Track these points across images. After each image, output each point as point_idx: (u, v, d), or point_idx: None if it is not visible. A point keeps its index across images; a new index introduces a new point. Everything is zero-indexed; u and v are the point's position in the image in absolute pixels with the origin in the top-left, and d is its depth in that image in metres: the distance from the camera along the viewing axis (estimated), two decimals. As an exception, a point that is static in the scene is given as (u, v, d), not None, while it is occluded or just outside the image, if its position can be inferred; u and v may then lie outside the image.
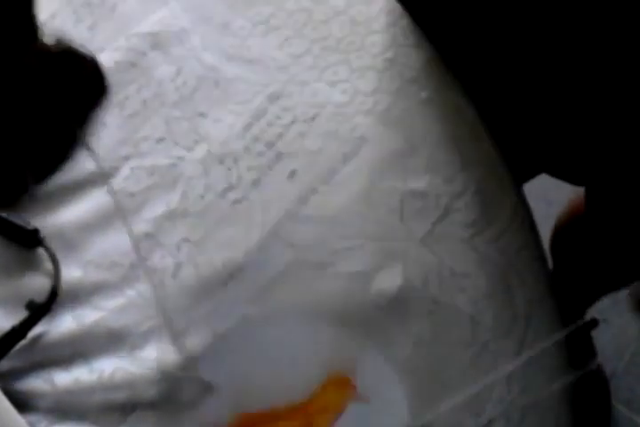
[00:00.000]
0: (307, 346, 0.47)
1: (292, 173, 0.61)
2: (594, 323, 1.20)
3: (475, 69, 0.68)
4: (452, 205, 0.60)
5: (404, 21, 0.68)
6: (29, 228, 0.57)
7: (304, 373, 0.41)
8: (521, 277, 0.59)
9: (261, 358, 0.46)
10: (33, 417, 0.53)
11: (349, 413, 0.38)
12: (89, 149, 0.61)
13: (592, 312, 1.19)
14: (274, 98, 0.64)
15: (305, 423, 0.39)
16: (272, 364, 0.45)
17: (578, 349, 1.15)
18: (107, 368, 0.54)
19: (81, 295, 0.56)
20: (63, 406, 0.54)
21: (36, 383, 0.53)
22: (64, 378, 0.53)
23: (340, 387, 0.38)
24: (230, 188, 0.60)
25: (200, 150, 0.62)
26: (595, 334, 1.20)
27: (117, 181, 0.60)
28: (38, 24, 0.58)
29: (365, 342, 0.41)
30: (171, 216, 0.59)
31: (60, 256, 0.57)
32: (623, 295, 1.20)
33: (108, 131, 0.62)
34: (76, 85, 0.59)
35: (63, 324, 0.55)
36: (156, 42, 0.66)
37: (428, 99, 0.65)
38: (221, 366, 0.45)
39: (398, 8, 0.69)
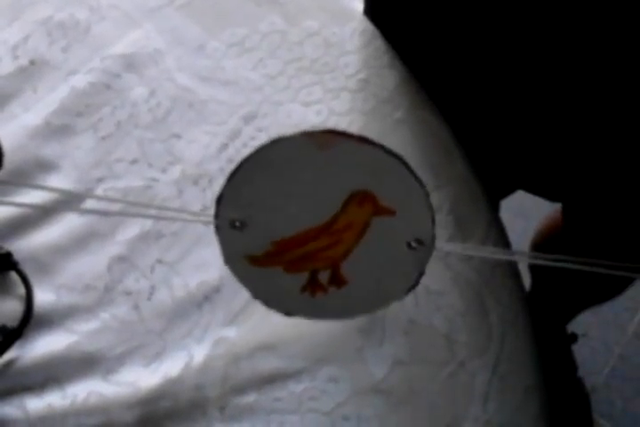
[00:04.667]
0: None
1: (267, 194, 0.61)
2: (573, 337, 1.21)
3: (448, 88, 0.69)
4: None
5: (378, 42, 0.69)
6: (2, 251, 0.57)
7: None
8: (495, 295, 0.59)
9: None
10: (5, 444, 0.52)
11: (375, 227, 0.39)
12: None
13: (572, 327, 1.20)
14: (248, 119, 0.65)
15: (334, 241, 0.40)
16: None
17: (557, 364, 1.15)
18: (80, 393, 0.53)
19: (54, 319, 0.56)
20: (36, 432, 0.53)
21: (7, 410, 0.52)
22: (36, 404, 0.53)
23: (361, 203, 0.39)
24: (205, 209, 0.60)
25: (174, 172, 0.62)
26: (575, 348, 1.20)
27: (91, 204, 0.60)
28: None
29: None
30: (145, 238, 0.59)
31: (32, 280, 0.56)
32: (603, 310, 1.21)
33: (82, 153, 0.62)
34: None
35: (36, 348, 0.54)
36: (130, 63, 0.67)
37: (401, 119, 0.66)
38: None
39: (371, 29, 0.70)
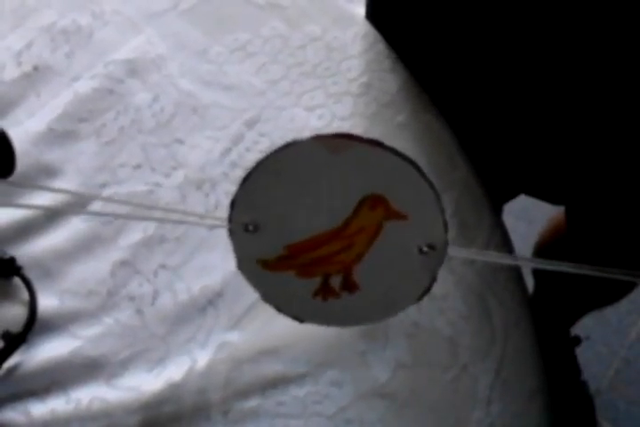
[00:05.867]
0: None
1: (270, 198, 0.61)
2: (577, 340, 1.21)
3: (450, 91, 0.69)
4: (428, 227, 0.60)
5: (379, 46, 0.69)
6: (5, 257, 0.57)
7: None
8: (498, 299, 0.59)
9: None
10: (8, 449, 0.52)
11: (387, 231, 0.38)
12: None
13: (575, 330, 1.20)
14: (251, 123, 0.65)
15: (346, 245, 0.40)
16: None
17: (561, 367, 1.15)
18: (84, 398, 0.53)
19: (58, 324, 0.56)
20: (39, 437, 0.53)
21: (10, 415, 0.52)
22: (40, 409, 0.53)
23: (373, 206, 0.39)
24: (208, 213, 0.60)
25: (177, 176, 0.62)
26: (578, 351, 1.20)
27: (94, 209, 0.60)
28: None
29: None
30: (148, 243, 0.59)
31: (36, 285, 0.57)
32: (606, 313, 1.21)
33: (86, 158, 0.63)
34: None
35: (39, 354, 0.55)
36: (133, 69, 0.67)
37: (403, 122, 0.66)
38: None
39: (373, 33, 0.70)
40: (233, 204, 0.39)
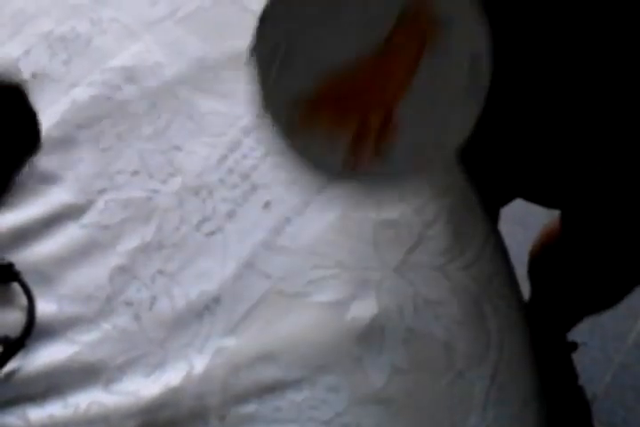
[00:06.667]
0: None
1: (267, 204, 0.61)
2: (573, 346, 1.21)
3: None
4: (424, 233, 0.60)
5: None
6: (4, 262, 0.57)
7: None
8: (493, 304, 0.60)
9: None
10: (6, 454, 0.53)
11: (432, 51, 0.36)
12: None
13: (572, 335, 1.20)
14: (248, 130, 0.65)
15: (386, 73, 0.36)
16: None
17: (557, 373, 1.15)
18: (82, 403, 0.54)
19: (56, 329, 0.56)
20: (38, 442, 0.53)
21: (9, 420, 0.52)
22: (38, 414, 0.53)
23: (413, 19, 0.34)
24: (205, 219, 0.60)
25: (175, 183, 0.62)
26: (575, 356, 1.20)
27: (92, 215, 0.60)
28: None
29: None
30: (145, 249, 0.59)
31: (35, 290, 0.57)
32: (603, 318, 1.21)
33: (84, 164, 0.63)
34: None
35: (38, 359, 0.55)
36: (131, 76, 0.67)
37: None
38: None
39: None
40: (262, 20, 0.34)
